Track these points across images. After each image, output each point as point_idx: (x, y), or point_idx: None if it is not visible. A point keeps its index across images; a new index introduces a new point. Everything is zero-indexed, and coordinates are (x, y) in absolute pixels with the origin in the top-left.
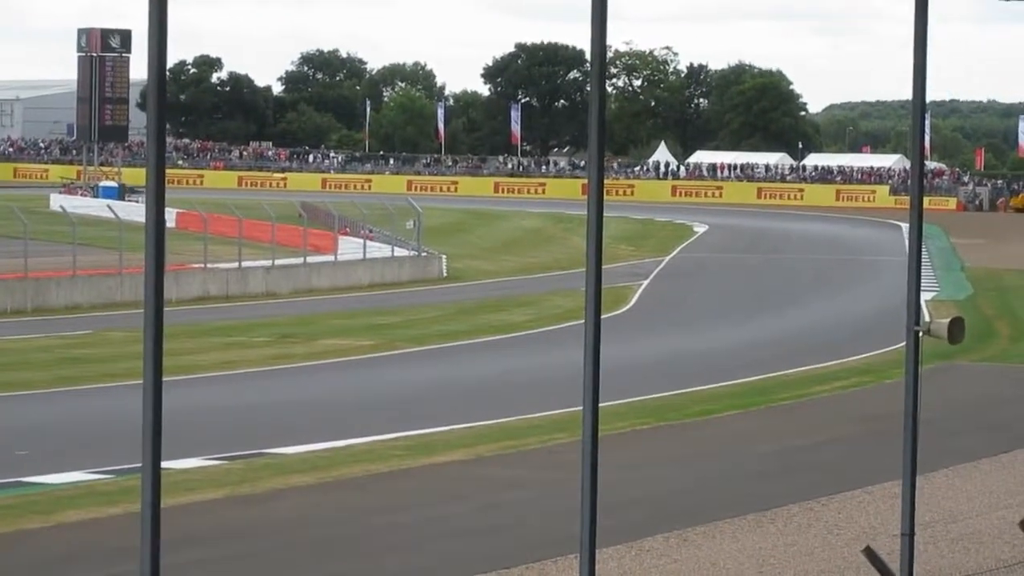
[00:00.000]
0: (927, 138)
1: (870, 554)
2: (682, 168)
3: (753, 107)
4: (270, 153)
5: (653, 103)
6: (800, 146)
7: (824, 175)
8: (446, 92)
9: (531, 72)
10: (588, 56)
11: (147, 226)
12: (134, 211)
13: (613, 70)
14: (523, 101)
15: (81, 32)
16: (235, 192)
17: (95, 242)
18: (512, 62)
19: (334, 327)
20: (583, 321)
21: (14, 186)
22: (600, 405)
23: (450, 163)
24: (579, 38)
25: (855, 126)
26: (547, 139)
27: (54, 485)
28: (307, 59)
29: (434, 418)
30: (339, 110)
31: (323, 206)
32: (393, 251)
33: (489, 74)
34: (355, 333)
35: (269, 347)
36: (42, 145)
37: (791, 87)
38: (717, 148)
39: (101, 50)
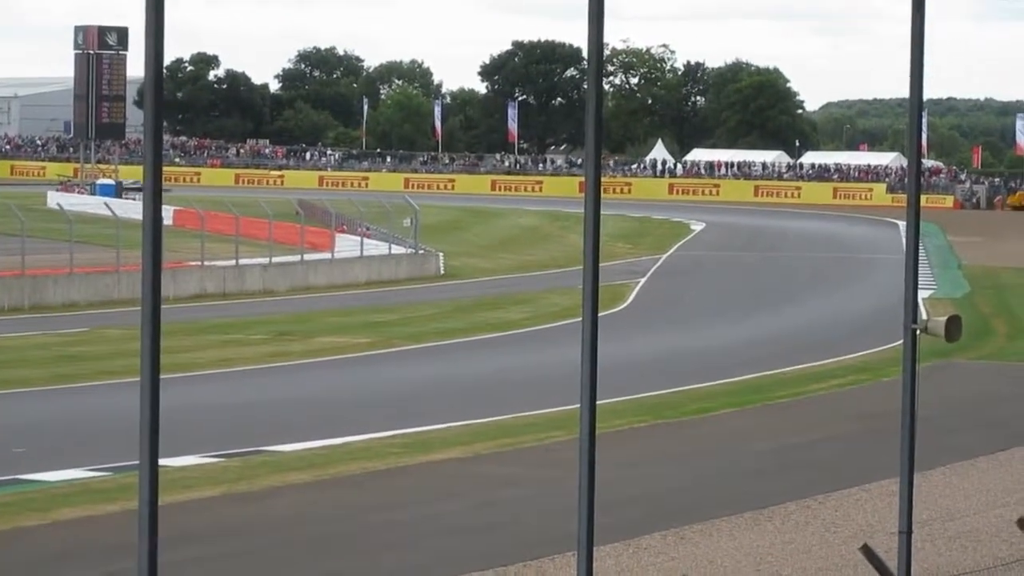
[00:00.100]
0: (924, 136)
1: (868, 552)
2: (679, 166)
3: (750, 105)
4: (267, 151)
5: (650, 101)
6: (797, 144)
7: (821, 173)
8: (443, 90)
9: (528, 70)
10: (585, 54)
11: (144, 224)
12: (131, 209)
13: (610, 68)
14: (520, 99)
15: (78, 29)
16: (232, 190)
17: (92, 240)
18: (509, 60)
19: (331, 325)
20: (580, 319)
21: (11, 184)
22: (597, 403)
23: (447, 161)
24: (576, 36)
25: (852, 124)
26: (544, 137)
27: (51, 483)
28: (304, 57)
29: (431, 416)
30: (336, 108)
31: (320, 204)
32: (390, 249)
33: (486, 72)
34: (352, 331)
35: (266, 345)
36: (39, 143)
37: (788, 85)
38: (714, 146)
39: (98, 48)
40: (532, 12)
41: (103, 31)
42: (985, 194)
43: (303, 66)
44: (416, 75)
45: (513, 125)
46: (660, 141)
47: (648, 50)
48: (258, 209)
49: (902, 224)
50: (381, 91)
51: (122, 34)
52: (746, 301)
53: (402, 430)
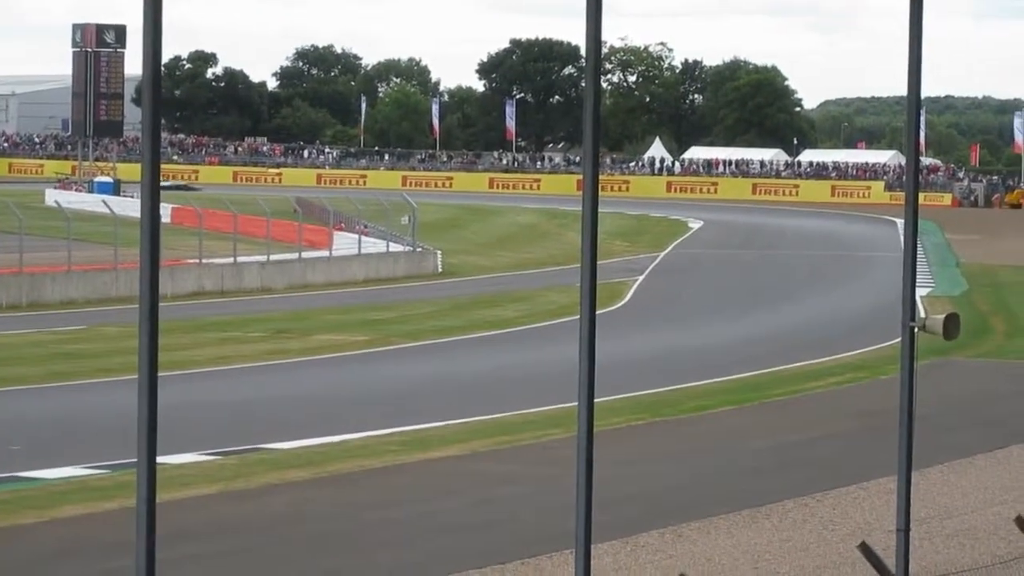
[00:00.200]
0: (922, 134)
1: (865, 550)
2: (677, 164)
3: (748, 103)
4: (265, 149)
5: (648, 99)
6: (795, 142)
7: (819, 171)
8: (441, 88)
9: (526, 68)
10: (583, 52)
11: (142, 221)
12: (129, 206)
13: (608, 66)
14: (518, 97)
15: (76, 27)
16: (230, 188)
17: (90, 237)
18: (507, 58)
19: (329, 322)
20: (578, 317)
21: (9, 181)
22: (595, 401)
23: (445, 159)
24: (574, 34)
25: (850, 122)
26: (542, 135)
27: (49, 480)
28: (302, 55)
29: (429, 413)
30: (334, 106)
31: (318, 202)
32: (388, 247)
33: (484, 70)
34: (350, 328)
35: (264, 342)
36: (37, 140)
37: (786, 83)
38: (712, 144)
39: (96, 45)
40: (530, 10)
41: (101, 29)
42: (983, 192)
43: (301, 64)
44: (414, 73)
45: (511, 123)
46: (658, 139)
47: (646, 48)
48: (256, 207)
49: (900, 222)
50: (379, 89)
51: (120, 32)
52: (744, 299)
53: (400, 428)
